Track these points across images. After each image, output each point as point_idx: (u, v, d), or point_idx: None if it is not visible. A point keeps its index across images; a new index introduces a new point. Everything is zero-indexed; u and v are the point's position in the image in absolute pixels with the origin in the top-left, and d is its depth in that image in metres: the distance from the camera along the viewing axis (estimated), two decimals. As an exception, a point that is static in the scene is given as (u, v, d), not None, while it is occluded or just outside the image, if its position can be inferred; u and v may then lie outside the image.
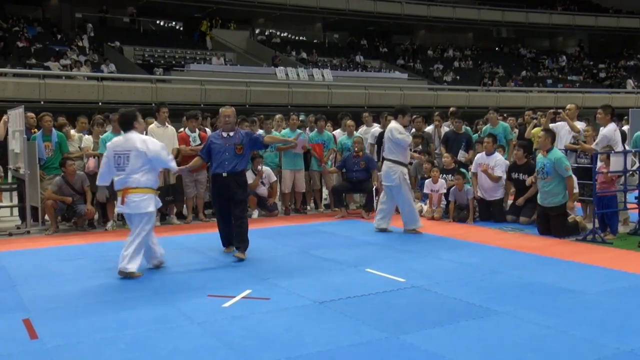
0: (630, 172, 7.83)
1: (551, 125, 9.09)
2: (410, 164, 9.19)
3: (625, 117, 12.17)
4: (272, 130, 10.30)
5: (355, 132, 10.67)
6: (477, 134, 11.06)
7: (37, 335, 4.31)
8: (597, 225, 7.48)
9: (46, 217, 8.79)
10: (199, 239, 7.89)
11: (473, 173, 9.29)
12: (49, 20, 26.48)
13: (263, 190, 9.82)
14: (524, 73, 33.07)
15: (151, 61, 24.90)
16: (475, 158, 9.37)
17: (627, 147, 8.40)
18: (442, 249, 7.14)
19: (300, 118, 12.81)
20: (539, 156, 8.05)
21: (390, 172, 8.17)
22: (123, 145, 5.99)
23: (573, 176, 7.96)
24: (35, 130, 9.30)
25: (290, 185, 10.06)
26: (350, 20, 32.22)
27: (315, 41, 34.42)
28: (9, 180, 10.30)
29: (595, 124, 8.85)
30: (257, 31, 32.96)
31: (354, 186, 9.89)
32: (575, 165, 8.56)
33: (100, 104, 18.49)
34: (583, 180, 8.17)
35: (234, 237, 6.75)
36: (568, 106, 9.19)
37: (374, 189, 9.88)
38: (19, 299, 5.25)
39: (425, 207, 9.50)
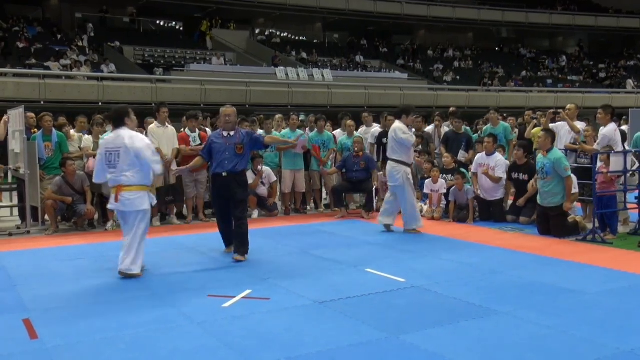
0: (631, 172, 7.83)
1: (551, 125, 9.09)
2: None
3: (624, 117, 12.16)
4: (272, 130, 10.30)
5: (355, 132, 10.67)
6: (477, 134, 11.07)
7: (37, 335, 4.31)
8: (597, 225, 7.48)
9: (46, 217, 8.79)
10: (199, 239, 7.90)
11: (473, 173, 9.29)
12: (49, 20, 26.49)
13: (263, 190, 9.82)
14: (524, 73, 33.07)
15: (151, 61, 24.90)
16: (476, 158, 9.37)
17: (627, 147, 8.41)
18: (442, 249, 7.15)
19: (300, 118, 12.81)
20: (539, 156, 8.05)
21: (394, 172, 8.17)
22: (114, 142, 5.93)
23: (573, 176, 7.97)
24: (35, 130, 9.30)
25: (290, 185, 10.06)
26: (350, 20, 32.22)
27: (315, 41, 34.43)
28: (9, 180, 10.31)
29: (596, 124, 8.85)
30: (257, 31, 32.97)
31: (354, 186, 9.89)
32: (575, 165, 8.57)
33: (100, 104, 18.48)
34: (583, 180, 8.17)
35: (234, 240, 6.73)
36: (568, 106, 9.18)
37: (374, 189, 9.88)
38: (19, 299, 5.25)
39: (425, 207, 9.50)
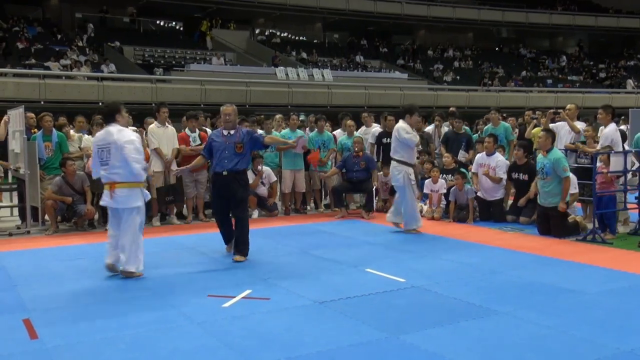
0: (632, 173, 7.83)
1: (551, 125, 9.09)
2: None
3: (622, 117, 12.15)
4: (272, 130, 10.31)
5: (355, 132, 10.67)
6: (477, 134, 11.07)
7: (37, 335, 4.31)
8: (597, 225, 7.48)
9: (46, 217, 8.79)
10: (199, 239, 7.90)
11: (474, 173, 9.29)
12: (49, 20, 26.49)
13: (263, 190, 9.82)
14: (524, 73, 33.08)
15: (151, 61, 24.90)
16: (476, 158, 9.37)
17: (626, 147, 8.40)
18: (442, 249, 7.15)
19: (300, 118, 12.81)
20: (539, 156, 8.05)
21: (395, 172, 8.18)
22: (104, 138, 5.90)
23: (572, 176, 7.97)
24: (35, 130, 9.30)
25: (290, 185, 10.06)
26: (350, 20, 32.22)
27: (315, 41, 34.43)
28: (9, 180, 10.31)
29: (596, 124, 8.85)
30: (257, 31, 32.97)
31: (354, 186, 9.89)
32: (575, 165, 8.57)
33: (100, 104, 18.45)
34: (583, 180, 8.17)
35: (235, 241, 6.71)
36: (568, 106, 9.18)
37: (374, 189, 9.88)
38: (19, 299, 5.25)
39: (425, 207, 9.50)
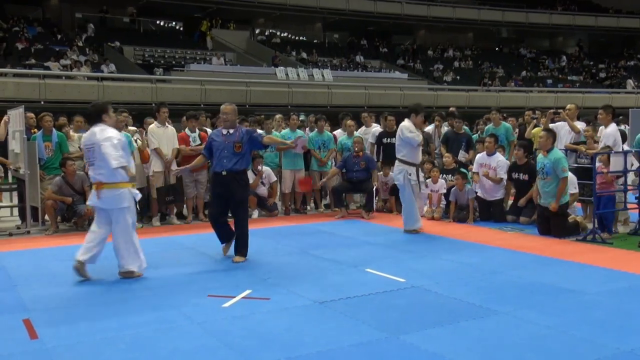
0: (633, 173, 7.83)
1: (551, 125, 9.09)
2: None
3: (621, 117, 12.15)
4: (272, 130, 10.31)
5: (355, 132, 10.67)
6: (477, 134, 11.07)
7: (37, 335, 4.31)
8: (597, 225, 7.48)
9: (46, 217, 8.79)
10: (199, 239, 7.89)
11: (475, 172, 9.28)
12: (49, 20, 26.49)
13: (263, 190, 9.82)
14: (524, 73, 33.08)
15: (151, 61, 24.90)
16: (476, 158, 9.37)
17: (626, 147, 8.40)
18: (442, 249, 7.15)
19: (300, 118, 12.81)
20: (539, 156, 8.05)
21: (396, 171, 8.18)
22: (90, 139, 5.86)
23: (572, 176, 7.98)
24: (35, 130, 9.30)
25: (290, 185, 10.07)
26: (350, 20, 32.22)
27: (315, 41, 34.43)
28: (9, 180, 10.31)
29: (597, 124, 8.84)
30: (257, 31, 32.97)
31: (354, 186, 9.89)
32: (575, 165, 8.57)
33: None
34: (583, 180, 8.17)
35: (235, 242, 6.68)
36: (568, 106, 9.18)
37: (374, 189, 9.88)
38: (19, 299, 5.25)
39: (425, 207, 9.49)
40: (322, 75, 24.75)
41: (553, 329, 4.26)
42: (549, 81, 32.62)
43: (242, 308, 4.87)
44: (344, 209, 9.83)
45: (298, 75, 24.27)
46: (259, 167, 9.61)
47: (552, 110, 9.85)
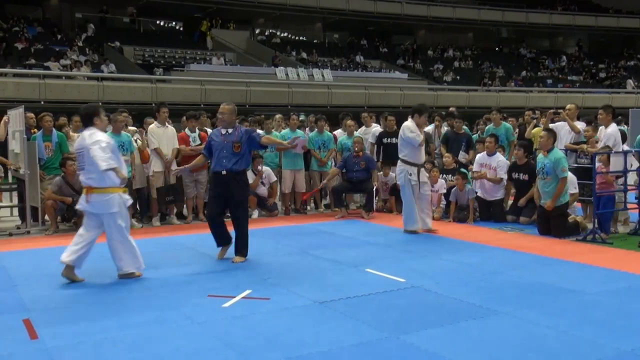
0: (636, 173, 7.83)
1: (551, 125, 9.09)
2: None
3: (619, 117, 12.15)
4: (272, 130, 10.31)
5: (355, 132, 10.67)
6: (476, 134, 11.07)
7: (37, 335, 4.31)
8: (597, 225, 7.47)
9: (46, 217, 8.79)
10: (199, 239, 7.89)
11: (475, 171, 9.28)
12: (49, 20, 26.49)
13: (263, 190, 9.82)
14: (524, 73, 33.08)
15: (151, 61, 24.90)
16: (477, 158, 9.37)
17: (626, 147, 8.40)
18: (442, 249, 7.15)
19: (300, 118, 12.81)
20: (540, 156, 8.05)
21: (398, 170, 8.19)
22: (80, 143, 5.84)
23: (572, 176, 7.97)
24: (35, 130, 9.30)
25: (290, 185, 10.07)
26: (350, 20, 32.22)
27: (315, 41, 34.43)
28: (9, 180, 10.31)
29: (597, 124, 8.84)
30: (257, 31, 32.97)
31: (354, 186, 9.89)
32: (575, 165, 8.57)
33: (100, 104, 18.41)
34: (583, 180, 8.17)
35: (235, 242, 6.66)
36: (568, 106, 9.18)
37: (374, 189, 9.88)
38: (19, 299, 5.25)
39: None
40: (322, 75, 24.75)
41: (553, 329, 4.26)
42: (549, 81, 32.62)
43: (242, 308, 4.87)
44: (344, 209, 9.83)
45: (298, 75, 24.27)
46: (259, 167, 9.61)
47: (552, 111, 9.85)
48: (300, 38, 35.39)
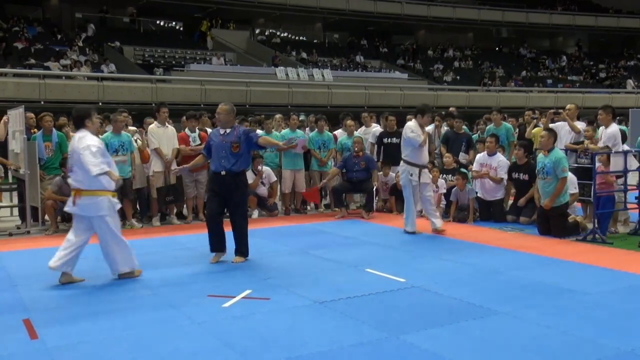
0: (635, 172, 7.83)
1: (551, 125, 9.08)
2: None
3: (618, 118, 12.16)
4: (273, 130, 10.30)
5: (355, 132, 10.67)
6: (476, 134, 11.06)
7: (37, 335, 4.31)
8: (597, 225, 7.47)
9: (46, 217, 8.79)
10: (199, 239, 7.86)
11: (475, 171, 9.28)
12: (49, 20, 26.49)
13: (263, 190, 9.82)
14: (524, 73, 33.08)
15: (151, 61, 24.91)
16: (477, 158, 9.36)
17: (626, 147, 8.40)
18: (442, 249, 7.14)
19: (300, 118, 12.82)
20: (540, 156, 8.05)
21: (400, 170, 8.17)
22: (71, 145, 5.83)
23: (572, 176, 7.96)
24: (35, 130, 9.30)
25: (290, 185, 10.07)
26: (350, 20, 32.22)
27: (315, 41, 34.43)
28: (9, 180, 10.31)
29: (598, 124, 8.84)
30: (257, 31, 32.98)
31: (354, 186, 9.88)
32: (576, 165, 8.56)
33: (100, 104, 18.47)
34: (583, 180, 8.17)
35: (235, 243, 6.64)
36: (568, 106, 9.18)
37: (374, 189, 9.88)
38: (19, 299, 5.25)
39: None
40: (322, 75, 24.75)
41: (553, 329, 4.25)
42: (549, 81, 32.63)
43: (242, 308, 4.87)
44: (344, 209, 9.83)
45: (298, 75, 24.27)
46: (259, 167, 9.61)
47: (552, 110, 9.85)
48: (300, 38, 35.38)
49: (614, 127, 8.21)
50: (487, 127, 10.71)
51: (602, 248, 7.06)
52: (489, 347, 3.96)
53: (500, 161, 9.07)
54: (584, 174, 8.18)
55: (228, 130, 6.55)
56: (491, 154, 9.12)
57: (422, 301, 5.03)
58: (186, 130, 9.49)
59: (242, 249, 6.60)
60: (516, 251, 6.92)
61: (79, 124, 5.87)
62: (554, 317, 4.50)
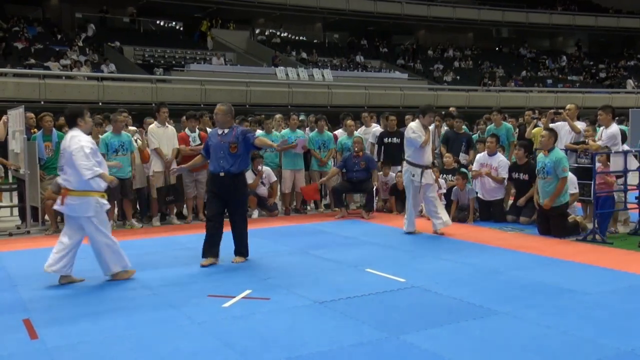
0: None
1: (551, 125, 9.09)
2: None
3: (618, 118, 12.15)
4: (273, 130, 10.31)
5: (355, 132, 10.67)
6: (476, 134, 11.06)
7: (37, 335, 4.31)
8: (596, 225, 7.47)
9: (46, 217, 8.79)
10: (199, 239, 7.81)
11: (474, 170, 9.27)
12: (49, 20, 26.49)
13: (263, 190, 9.82)
14: (524, 73, 33.08)
15: (151, 61, 24.91)
16: (477, 158, 9.36)
17: (626, 147, 8.40)
18: (442, 249, 7.15)
19: (300, 118, 12.82)
20: (540, 156, 8.05)
21: (403, 170, 8.17)
22: (63, 144, 5.79)
23: (572, 176, 7.96)
24: (35, 130, 9.30)
25: (290, 185, 10.07)
26: (350, 20, 32.23)
27: (315, 41, 34.44)
28: (9, 180, 10.31)
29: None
30: (257, 31, 32.98)
31: (354, 186, 9.88)
32: (576, 165, 8.56)
33: (100, 104, 18.49)
34: (583, 180, 8.17)
35: (235, 243, 6.63)
36: (568, 106, 9.18)
37: (374, 189, 9.88)
38: (19, 299, 5.25)
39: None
40: (322, 75, 24.75)
41: (553, 329, 4.26)
42: (549, 81, 32.63)
43: (242, 308, 4.87)
44: (344, 209, 9.83)
45: (298, 75, 24.28)
46: (259, 167, 9.61)
47: (552, 110, 9.85)
48: (300, 38, 35.39)
49: (614, 127, 8.21)
50: (488, 127, 10.71)
51: (602, 248, 7.06)
52: (489, 347, 3.96)
53: (501, 161, 9.07)
54: (584, 174, 8.18)
55: (226, 131, 6.53)
56: (491, 154, 9.12)
57: (422, 301, 5.03)
58: (186, 130, 9.49)
59: (242, 249, 6.60)
60: (516, 251, 6.92)
61: (71, 123, 5.85)
62: (554, 317, 4.50)
